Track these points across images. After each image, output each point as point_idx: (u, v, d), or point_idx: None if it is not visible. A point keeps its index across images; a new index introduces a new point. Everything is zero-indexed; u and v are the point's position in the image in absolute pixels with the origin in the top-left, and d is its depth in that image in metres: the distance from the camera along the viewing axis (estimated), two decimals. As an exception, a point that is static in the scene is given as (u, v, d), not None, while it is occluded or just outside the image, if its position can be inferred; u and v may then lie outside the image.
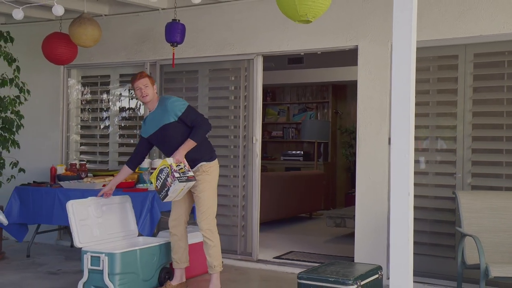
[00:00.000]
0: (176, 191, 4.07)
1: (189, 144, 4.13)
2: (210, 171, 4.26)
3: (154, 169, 5.32)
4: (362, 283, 3.36)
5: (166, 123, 4.19)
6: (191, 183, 4.10)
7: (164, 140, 4.25)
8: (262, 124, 5.60)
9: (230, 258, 5.39)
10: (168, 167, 4.01)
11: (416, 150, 4.72)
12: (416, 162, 4.69)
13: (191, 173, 4.10)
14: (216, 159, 4.35)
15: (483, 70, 4.52)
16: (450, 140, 4.63)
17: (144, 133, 4.36)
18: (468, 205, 4.06)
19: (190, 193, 4.32)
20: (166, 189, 4.03)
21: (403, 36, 2.60)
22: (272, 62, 8.28)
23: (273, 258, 5.46)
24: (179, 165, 4.06)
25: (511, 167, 4.40)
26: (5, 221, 4.26)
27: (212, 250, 4.27)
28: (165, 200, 4.15)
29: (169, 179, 4.00)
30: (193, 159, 4.20)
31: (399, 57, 2.60)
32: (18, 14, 3.66)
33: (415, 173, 4.63)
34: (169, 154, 4.21)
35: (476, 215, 4.03)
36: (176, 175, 3.99)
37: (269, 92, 10.43)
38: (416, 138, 4.67)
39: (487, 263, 3.55)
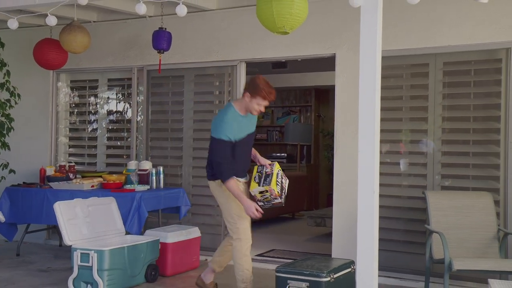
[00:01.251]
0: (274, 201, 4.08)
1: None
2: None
3: (144, 170, 5.55)
4: (335, 276, 3.61)
5: (253, 131, 4.18)
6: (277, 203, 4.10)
7: (247, 148, 4.15)
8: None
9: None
10: (267, 190, 3.98)
11: (390, 152, 5.02)
12: (397, 164, 4.97)
13: (277, 200, 4.06)
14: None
15: (452, 78, 4.81)
16: (421, 143, 4.91)
17: (234, 136, 3.98)
18: (436, 204, 4.34)
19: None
20: (284, 191, 4.05)
21: (369, 47, 2.86)
22: (256, 67, 8.52)
23: (256, 255, 5.69)
24: (264, 194, 4.04)
25: (478, 169, 4.69)
26: (2, 218, 4.43)
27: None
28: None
29: (283, 180, 4.05)
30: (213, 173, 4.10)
31: (365, 67, 2.87)
32: (13, 24, 3.86)
33: (390, 174, 4.97)
34: (245, 163, 4.14)
35: (443, 213, 4.31)
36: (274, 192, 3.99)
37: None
38: (393, 141, 4.99)
39: (451, 257, 3.83)
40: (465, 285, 4.55)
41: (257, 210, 3.93)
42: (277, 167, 4.09)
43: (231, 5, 5.55)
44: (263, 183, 4.02)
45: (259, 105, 4.00)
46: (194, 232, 5.23)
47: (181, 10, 3.30)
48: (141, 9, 3.40)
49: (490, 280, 3.25)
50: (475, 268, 3.81)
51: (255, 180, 4.04)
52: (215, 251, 4.48)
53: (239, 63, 5.67)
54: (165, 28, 5.38)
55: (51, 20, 3.69)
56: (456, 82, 4.81)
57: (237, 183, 3.99)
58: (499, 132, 4.59)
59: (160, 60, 5.49)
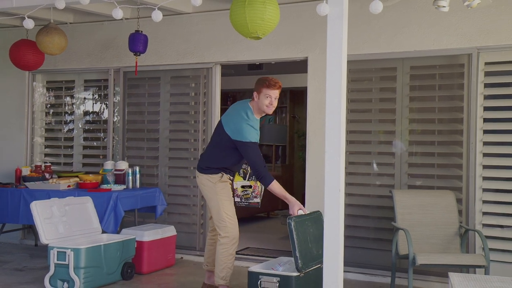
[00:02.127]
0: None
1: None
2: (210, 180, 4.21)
3: (120, 170, 5.65)
4: (305, 271, 3.77)
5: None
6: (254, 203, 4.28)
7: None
8: (222, 128, 5.96)
9: (190, 254, 5.76)
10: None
11: (360, 153, 5.22)
12: (367, 164, 5.17)
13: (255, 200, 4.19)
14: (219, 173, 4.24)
15: (418, 81, 5.03)
16: (390, 144, 5.11)
17: (257, 138, 4.11)
18: (402, 203, 4.54)
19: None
20: (261, 194, 4.24)
21: (336, 53, 3.03)
22: (232, 69, 8.66)
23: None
24: (246, 190, 4.23)
25: (442, 169, 4.91)
26: None
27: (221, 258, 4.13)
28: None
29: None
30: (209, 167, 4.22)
31: (331, 72, 3.03)
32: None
33: (360, 174, 5.16)
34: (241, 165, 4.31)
35: (408, 211, 4.51)
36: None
37: (229, 96, 10.80)
38: (364, 142, 5.18)
39: (414, 253, 4.03)
40: (429, 279, 4.76)
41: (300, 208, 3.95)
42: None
43: (206, 8, 5.67)
44: (249, 178, 4.12)
45: (268, 96, 4.04)
46: (169, 231, 5.34)
47: (157, 16, 3.42)
48: (118, 14, 3.50)
49: (450, 274, 3.45)
50: (437, 262, 4.01)
51: (239, 175, 4.13)
52: (204, 255, 4.48)
53: (214, 65, 5.80)
54: (141, 31, 5.48)
55: (29, 24, 3.77)
56: (422, 85, 5.02)
57: (279, 184, 4.04)
58: (462, 134, 4.81)
59: (136, 62, 5.59)
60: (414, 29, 4.94)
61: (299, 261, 3.65)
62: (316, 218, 4.00)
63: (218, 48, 5.76)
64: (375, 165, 5.14)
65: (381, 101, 5.20)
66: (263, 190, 4.14)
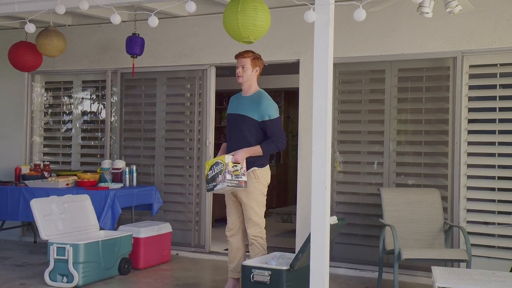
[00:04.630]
0: (223, 190, 3.98)
1: (255, 151, 4.02)
2: (260, 177, 4.15)
3: (118, 169, 5.80)
4: (296, 267, 3.94)
5: (247, 115, 4.10)
6: (240, 188, 3.99)
7: (234, 129, 4.14)
8: (218, 127, 6.14)
9: (185, 251, 5.93)
10: (223, 164, 3.86)
11: (350, 152, 5.39)
12: (357, 163, 5.34)
13: (244, 178, 3.94)
14: (268, 166, 4.24)
15: (406, 83, 5.20)
16: (379, 143, 5.28)
17: (228, 110, 4.25)
18: (389, 200, 4.72)
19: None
20: (214, 184, 3.93)
21: (322, 58, 3.20)
22: (228, 70, 8.81)
23: (224, 250, 5.98)
24: (236, 166, 3.91)
25: (429, 167, 5.09)
26: None
27: (258, 255, 4.15)
28: (210, 192, 4.11)
29: (220, 177, 3.88)
30: (247, 162, 4.04)
31: (318, 76, 3.20)
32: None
33: (350, 172, 5.32)
34: (231, 145, 4.12)
35: (395, 208, 4.69)
36: (228, 177, 3.86)
37: (225, 97, 10.96)
38: (354, 142, 5.35)
39: (400, 248, 4.20)
40: (415, 274, 4.94)
41: None
42: (221, 158, 4.04)
43: (201, 12, 5.83)
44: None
45: (236, 67, 4.27)
46: (165, 228, 5.50)
47: (153, 22, 3.58)
48: (116, 19, 3.66)
49: (433, 267, 3.63)
50: (421, 257, 4.19)
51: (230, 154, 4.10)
52: (229, 261, 4.38)
53: (209, 67, 5.97)
54: (138, 34, 5.63)
55: (30, 28, 3.92)
56: (410, 87, 5.19)
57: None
58: (447, 134, 4.99)
59: (133, 64, 5.74)
60: (401, 33, 5.12)
61: (297, 262, 3.82)
62: (339, 226, 4.11)
63: (212, 50, 5.92)
64: (375, 165, 5.27)
65: (371, 102, 5.37)
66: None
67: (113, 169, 5.86)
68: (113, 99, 6.47)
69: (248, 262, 4.05)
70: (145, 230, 5.24)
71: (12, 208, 5.66)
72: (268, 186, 4.31)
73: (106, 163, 5.95)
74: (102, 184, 5.68)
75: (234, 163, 3.92)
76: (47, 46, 5.28)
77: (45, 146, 6.93)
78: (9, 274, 5.04)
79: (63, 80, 6.84)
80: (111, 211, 5.35)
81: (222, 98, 10.74)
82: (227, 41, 5.75)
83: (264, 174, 4.18)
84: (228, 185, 3.89)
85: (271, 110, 4.11)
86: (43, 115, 6.95)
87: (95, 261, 4.69)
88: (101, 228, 5.23)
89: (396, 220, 4.63)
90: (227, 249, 5.91)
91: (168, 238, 5.53)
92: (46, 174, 6.06)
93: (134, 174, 5.86)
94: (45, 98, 6.93)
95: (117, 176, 5.81)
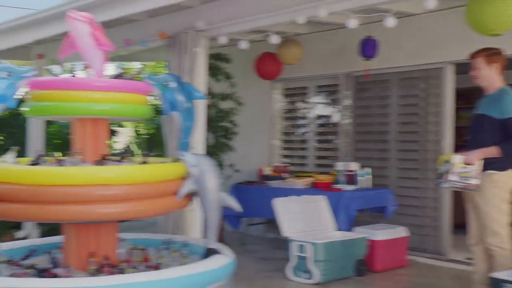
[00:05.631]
0: (451, 189, 3.84)
1: (492, 152, 3.70)
2: (497, 181, 3.75)
3: (351, 171, 5.91)
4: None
5: (485, 113, 3.81)
6: (470, 191, 3.73)
7: (474, 129, 3.92)
8: (459, 127, 5.79)
9: (420, 256, 5.72)
10: (451, 164, 3.65)
11: None
12: None
13: (474, 181, 3.64)
14: (510, 170, 3.77)
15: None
16: None
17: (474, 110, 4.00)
18: None
19: None
20: (441, 180, 3.76)
21: None
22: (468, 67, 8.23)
23: (466, 258, 5.56)
24: (465, 168, 3.64)
25: None
26: (239, 207, 5.08)
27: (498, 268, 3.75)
28: (447, 190, 4.07)
29: (447, 175, 3.67)
30: (485, 163, 3.71)
31: None
32: (242, 44, 4.53)
33: None
34: (469, 146, 3.89)
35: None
36: (452, 178, 3.64)
37: (460, 95, 10.23)
38: None
39: None
40: None
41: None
42: (449, 156, 3.78)
43: (438, 7, 5.54)
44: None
45: None
46: (401, 232, 5.39)
47: (390, 22, 3.53)
48: (351, 23, 3.71)
49: None
50: None
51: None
52: (473, 271, 4.07)
53: (447, 65, 5.64)
54: (372, 36, 5.62)
55: (273, 39, 4.24)
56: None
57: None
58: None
59: (367, 67, 5.75)
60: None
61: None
62: None
63: (449, 47, 5.59)
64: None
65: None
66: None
67: (347, 171, 5.96)
68: (346, 103, 6.59)
69: (498, 274, 3.68)
70: (381, 233, 5.21)
71: (257, 206, 6.18)
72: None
73: (340, 165, 6.10)
74: (336, 186, 5.83)
75: (466, 164, 3.66)
76: (287, 55, 5.66)
77: (283, 148, 7.41)
78: (257, 266, 5.52)
79: (299, 85, 7.23)
80: (346, 213, 5.44)
81: (464, 96, 10.03)
82: (467, 36, 5.36)
83: (503, 178, 3.77)
84: (452, 186, 3.69)
85: None
86: (282, 120, 7.45)
87: (333, 261, 4.83)
88: (337, 229, 5.37)
89: None
90: (470, 258, 5.53)
91: (404, 242, 5.40)
92: (285, 175, 6.47)
93: (368, 176, 5.87)
94: (283, 104, 7.42)
95: (351, 178, 5.90)
